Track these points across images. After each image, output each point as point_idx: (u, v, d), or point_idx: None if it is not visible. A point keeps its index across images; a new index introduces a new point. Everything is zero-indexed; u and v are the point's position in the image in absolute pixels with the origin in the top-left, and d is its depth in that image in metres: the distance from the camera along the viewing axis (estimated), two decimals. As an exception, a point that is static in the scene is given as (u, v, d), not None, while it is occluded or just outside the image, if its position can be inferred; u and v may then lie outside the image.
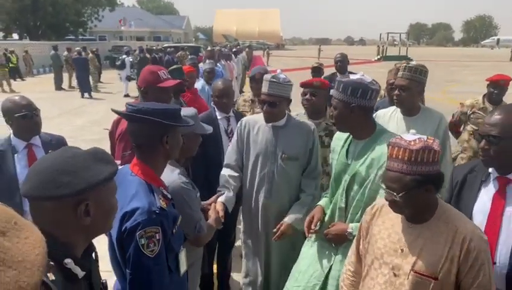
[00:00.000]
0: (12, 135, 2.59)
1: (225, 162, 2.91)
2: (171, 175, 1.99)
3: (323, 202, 2.50)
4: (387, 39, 40.98)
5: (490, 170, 1.93)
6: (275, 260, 2.80)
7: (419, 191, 1.56)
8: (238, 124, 2.90)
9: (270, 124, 2.72)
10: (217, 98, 3.34)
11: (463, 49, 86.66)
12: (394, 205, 1.63)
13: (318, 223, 2.35)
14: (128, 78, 15.42)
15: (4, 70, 17.30)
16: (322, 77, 5.25)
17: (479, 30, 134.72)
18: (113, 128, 2.87)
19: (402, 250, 1.67)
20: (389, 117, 3.11)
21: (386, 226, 1.76)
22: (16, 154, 2.54)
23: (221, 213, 2.43)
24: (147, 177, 1.69)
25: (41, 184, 1.10)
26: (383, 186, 1.66)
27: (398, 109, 3.08)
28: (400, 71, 2.97)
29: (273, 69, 3.06)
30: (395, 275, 1.69)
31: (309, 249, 2.47)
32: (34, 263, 0.62)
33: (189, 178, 2.17)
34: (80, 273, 1.12)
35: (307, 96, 3.24)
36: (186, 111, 2.15)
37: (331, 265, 2.32)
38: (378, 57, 37.37)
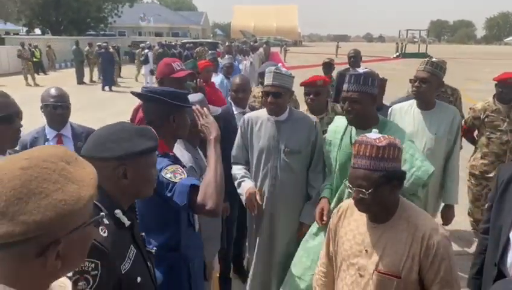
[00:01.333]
0: (46, 124, 2.75)
1: (233, 160, 2.94)
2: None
3: (327, 193, 2.56)
4: (407, 36, 40.53)
5: None
6: (279, 253, 2.83)
7: (386, 188, 1.59)
8: (241, 121, 2.93)
9: (273, 118, 2.74)
10: (234, 92, 3.45)
11: (485, 47, 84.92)
12: (361, 203, 1.64)
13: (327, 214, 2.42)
14: (152, 72, 15.90)
15: (29, 65, 17.81)
16: (336, 72, 5.42)
17: (502, 27, 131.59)
18: (133, 116, 3.17)
19: (366, 251, 1.70)
20: (405, 111, 3.17)
21: (351, 228, 1.78)
22: (46, 142, 2.70)
23: (258, 197, 2.64)
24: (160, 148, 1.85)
25: (92, 147, 1.39)
26: (349, 184, 1.67)
27: (414, 104, 3.14)
28: (422, 65, 3.06)
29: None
30: (360, 275, 1.71)
31: (314, 240, 2.53)
32: (89, 183, 0.85)
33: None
34: (127, 222, 1.38)
35: (311, 96, 3.29)
36: (194, 97, 2.37)
37: None
38: (397, 54, 37.01)
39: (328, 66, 5.78)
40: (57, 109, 2.65)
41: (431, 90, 3.01)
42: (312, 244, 2.52)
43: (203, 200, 1.65)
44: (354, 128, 2.43)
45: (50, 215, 0.76)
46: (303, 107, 3.54)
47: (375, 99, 2.36)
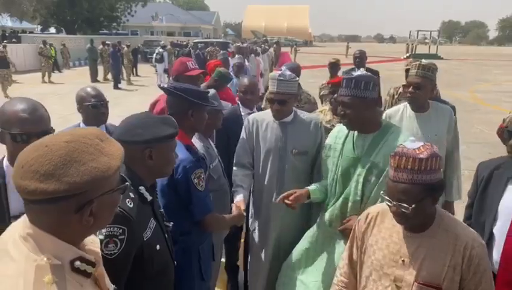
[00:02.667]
0: (82, 123, 2.79)
1: (235, 161, 2.92)
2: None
3: (312, 188, 2.53)
4: (417, 37, 40.34)
5: None
6: (282, 253, 2.82)
7: (429, 200, 1.53)
8: (246, 122, 2.93)
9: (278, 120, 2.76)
10: (242, 93, 3.47)
11: (497, 48, 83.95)
12: (403, 217, 1.57)
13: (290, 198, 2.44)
14: (166, 71, 16.44)
15: (49, 63, 18.29)
16: (341, 71, 5.56)
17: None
18: (150, 109, 3.45)
19: (403, 261, 1.63)
20: (401, 115, 3.14)
21: (383, 236, 1.71)
22: None
23: (243, 207, 2.62)
24: (181, 138, 2.11)
25: (124, 132, 1.65)
26: (388, 198, 1.58)
27: (408, 107, 3.12)
28: (413, 69, 3.01)
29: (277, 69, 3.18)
30: (397, 287, 1.64)
31: (314, 242, 2.54)
32: (117, 157, 1.07)
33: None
34: (149, 197, 1.65)
35: (336, 95, 3.22)
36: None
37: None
38: (407, 55, 36.87)
39: (334, 66, 5.81)
40: (100, 108, 2.69)
41: (425, 94, 3.00)
42: (314, 251, 2.53)
43: (209, 227, 2.25)
44: (356, 133, 2.36)
45: (87, 178, 0.98)
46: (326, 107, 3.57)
47: (371, 103, 2.24)
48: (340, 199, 2.38)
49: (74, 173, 0.97)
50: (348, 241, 1.90)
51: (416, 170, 1.50)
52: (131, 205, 1.52)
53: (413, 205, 1.50)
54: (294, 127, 2.75)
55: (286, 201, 2.44)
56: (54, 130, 1.69)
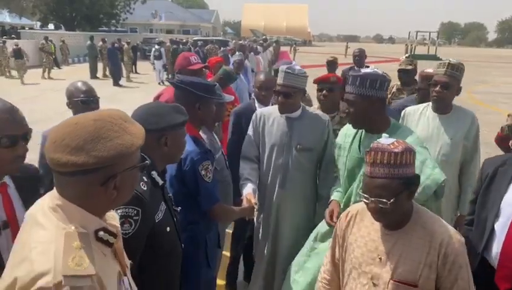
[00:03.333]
0: None
1: (242, 155, 2.92)
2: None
3: (337, 196, 2.50)
4: (416, 38, 40.44)
5: None
6: (284, 248, 2.85)
7: (405, 194, 1.54)
8: (253, 116, 2.92)
9: (285, 115, 2.75)
10: (258, 89, 3.45)
11: (496, 50, 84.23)
12: (380, 214, 1.56)
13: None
14: (165, 67, 16.55)
15: (50, 59, 18.32)
16: (340, 70, 5.61)
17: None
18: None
19: (380, 259, 1.63)
20: (420, 114, 3.03)
21: (361, 234, 1.71)
22: None
23: (253, 200, 2.59)
24: (189, 131, 2.15)
25: (139, 121, 1.67)
26: (365, 195, 1.57)
27: (429, 107, 3.00)
28: (441, 68, 2.87)
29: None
30: (374, 284, 1.64)
31: (319, 244, 2.51)
32: (139, 136, 1.17)
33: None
34: (160, 181, 1.72)
35: (324, 92, 3.26)
36: None
37: None
38: (406, 55, 36.98)
39: (332, 64, 5.83)
40: (90, 104, 2.61)
41: (452, 94, 2.87)
42: (318, 253, 2.49)
43: (217, 217, 2.32)
44: (363, 132, 2.34)
45: (113, 153, 1.08)
46: (315, 105, 3.55)
47: (378, 102, 2.20)
48: (345, 199, 2.39)
49: (101, 148, 1.07)
50: (331, 239, 1.91)
51: (392, 164, 1.50)
52: (145, 188, 1.61)
53: (391, 200, 1.49)
54: (301, 123, 2.74)
55: (331, 222, 2.37)
56: (31, 130, 1.61)
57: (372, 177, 1.54)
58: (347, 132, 2.45)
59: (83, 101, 2.59)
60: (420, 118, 3.00)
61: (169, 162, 1.87)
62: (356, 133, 2.37)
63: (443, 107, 2.92)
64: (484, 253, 2.02)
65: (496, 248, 1.97)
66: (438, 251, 1.52)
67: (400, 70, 4.46)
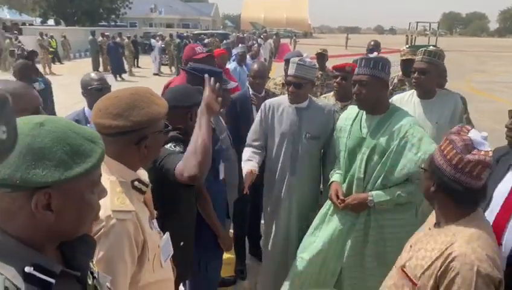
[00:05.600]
0: (86, 107, 2.87)
1: (247, 143, 3.04)
2: None
3: (337, 177, 2.62)
4: (417, 28, 40.39)
5: None
6: (295, 233, 2.95)
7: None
8: (262, 106, 3.03)
9: (294, 105, 2.86)
10: (252, 78, 3.66)
11: (498, 40, 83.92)
12: None
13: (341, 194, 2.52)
14: (154, 58, 17.44)
15: (46, 54, 18.47)
16: (352, 61, 5.55)
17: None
18: (163, 92, 3.71)
19: (411, 246, 1.69)
20: (406, 101, 3.16)
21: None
22: (88, 124, 2.88)
23: (255, 171, 2.78)
24: None
25: (171, 99, 2.03)
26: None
27: (415, 93, 3.15)
28: (419, 55, 3.04)
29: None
30: (395, 267, 1.73)
31: (326, 226, 2.60)
32: (164, 107, 1.48)
33: None
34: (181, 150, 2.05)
35: (338, 79, 3.39)
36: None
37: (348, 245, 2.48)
38: (407, 46, 36.82)
39: (321, 56, 5.46)
40: (103, 91, 2.63)
41: (430, 80, 3.00)
42: (323, 232, 2.60)
43: (183, 169, 1.73)
44: (364, 115, 2.48)
45: (144, 118, 1.39)
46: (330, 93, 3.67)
47: (385, 85, 2.39)
48: (347, 178, 2.51)
49: (136, 114, 1.38)
50: None
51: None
52: (178, 149, 2.00)
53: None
54: (309, 113, 2.87)
55: (339, 201, 2.49)
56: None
57: None
58: (347, 116, 2.61)
59: (97, 88, 2.77)
60: (406, 104, 3.10)
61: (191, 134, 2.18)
62: (356, 116, 2.52)
63: (424, 92, 3.06)
64: None
65: None
66: (442, 261, 1.44)
67: (403, 61, 4.46)
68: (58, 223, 0.87)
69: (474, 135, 1.50)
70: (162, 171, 1.85)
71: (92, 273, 1.02)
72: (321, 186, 3.09)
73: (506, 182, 1.91)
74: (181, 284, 2.68)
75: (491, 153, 1.47)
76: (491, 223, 1.83)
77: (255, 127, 3.04)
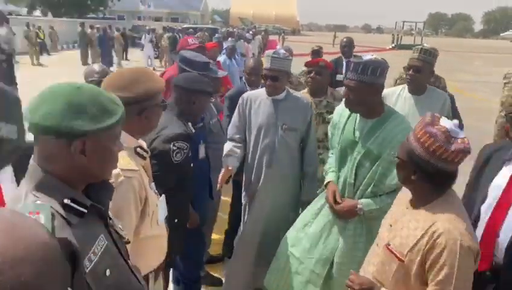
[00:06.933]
0: None
1: (228, 136, 3.07)
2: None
3: (332, 176, 2.55)
4: (403, 28, 41.04)
5: None
6: (271, 225, 2.94)
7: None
8: (240, 100, 3.06)
9: (271, 97, 2.91)
10: (248, 74, 3.73)
11: (481, 41, 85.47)
12: None
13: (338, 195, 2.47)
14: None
15: (32, 50, 18.31)
16: (329, 60, 5.75)
17: (500, 22, 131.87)
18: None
19: (391, 225, 1.74)
20: (398, 96, 3.24)
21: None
22: None
23: (232, 168, 2.86)
24: None
25: (183, 82, 2.42)
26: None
27: (405, 88, 3.23)
28: (415, 53, 3.11)
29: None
30: (377, 245, 1.79)
31: (316, 225, 2.55)
32: (161, 83, 1.78)
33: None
34: (193, 130, 2.45)
35: (312, 74, 3.45)
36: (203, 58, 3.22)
37: (338, 245, 2.42)
38: (393, 45, 37.59)
39: (316, 53, 5.78)
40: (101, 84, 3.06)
41: (424, 77, 3.10)
42: (313, 229, 2.54)
43: None
44: (358, 116, 2.39)
45: (144, 91, 1.65)
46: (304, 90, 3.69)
47: (376, 89, 2.26)
48: (340, 180, 2.47)
49: (137, 88, 1.65)
50: None
51: None
52: (187, 131, 2.34)
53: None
54: (286, 104, 2.91)
55: (334, 204, 2.44)
56: None
57: None
58: (342, 112, 2.50)
59: (97, 81, 2.95)
60: (398, 99, 3.23)
61: (196, 117, 2.53)
62: (351, 114, 2.43)
63: (417, 88, 3.17)
64: None
65: (479, 229, 1.95)
66: (429, 238, 1.52)
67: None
68: (89, 166, 1.09)
69: (447, 123, 1.57)
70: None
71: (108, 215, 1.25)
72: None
73: (501, 176, 1.91)
74: (171, 270, 2.88)
75: (466, 139, 1.55)
76: (489, 216, 1.90)
77: (234, 120, 3.09)
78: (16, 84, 5.83)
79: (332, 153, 2.65)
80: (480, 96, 13.32)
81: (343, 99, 2.42)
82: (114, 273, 1.10)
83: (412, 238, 1.58)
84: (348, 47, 5.89)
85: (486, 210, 1.93)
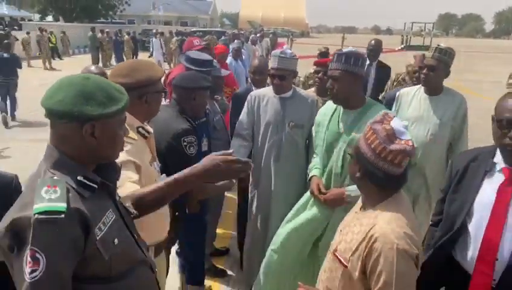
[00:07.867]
0: None
1: (234, 132, 3.14)
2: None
3: (317, 172, 2.62)
4: (412, 29, 40.89)
5: (495, 159, 1.85)
6: (276, 221, 2.95)
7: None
8: (248, 97, 3.12)
9: (278, 96, 2.97)
10: (252, 74, 3.68)
11: (492, 41, 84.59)
12: None
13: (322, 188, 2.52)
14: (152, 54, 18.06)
15: (44, 54, 18.74)
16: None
17: (511, 22, 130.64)
18: (165, 78, 4.24)
19: (341, 230, 1.72)
20: (413, 96, 3.19)
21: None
22: None
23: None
24: None
25: (180, 81, 2.58)
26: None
27: (422, 89, 3.17)
28: (430, 52, 3.05)
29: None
30: (329, 251, 1.74)
31: (306, 213, 2.60)
32: (161, 72, 2.03)
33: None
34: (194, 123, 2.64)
35: (320, 74, 3.51)
36: (205, 56, 3.42)
37: (325, 229, 2.49)
38: (402, 46, 37.45)
39: (324, 55, 5.68)
40: None
41: (439, 77, 3.02)
42: (304, 218, 2.59)
43: None
44: (341, 109, 2.49)
45: (144, 78, 1.86)
46: (312, 89, 3.74)
47: (358, 79, 2.37)
48: (326, 172, 2.55)
49: (139, 74, 1.87)
50: None
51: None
52: (191, 127, 2.52)
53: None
54: (293, 102, 2.98)
55: (319, 195, 2.49)
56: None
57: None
58: (325, 111, 2.65)
59: None
60: (413, 99, 3.18)
61: (196, 114, 2.66)
62: (334, 111, 2.57)
63: (432, 88, 3.09)
64: (458, 256, 1.94)
65: (472, 252, 1.85)
66: (366, 243, 1.49)
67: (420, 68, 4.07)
68: (99, 148, 1.21)
69: (396, 124, 1.53)
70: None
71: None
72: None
73: (485, 192, 1.83)
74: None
75: (411, 142, 1.51)
76: (482, 237, 1.80)
77: (242, 117, 3.15)
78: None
79: (316, 154, 2.73)
80: (489, 96, 13.29)
81: (328, 91, 2.53)
82: (122, 243, 1.23)
83: (354, 243, 1.55)
84: (375, 51, 5.29)
85: (476, 230, 1.84)
